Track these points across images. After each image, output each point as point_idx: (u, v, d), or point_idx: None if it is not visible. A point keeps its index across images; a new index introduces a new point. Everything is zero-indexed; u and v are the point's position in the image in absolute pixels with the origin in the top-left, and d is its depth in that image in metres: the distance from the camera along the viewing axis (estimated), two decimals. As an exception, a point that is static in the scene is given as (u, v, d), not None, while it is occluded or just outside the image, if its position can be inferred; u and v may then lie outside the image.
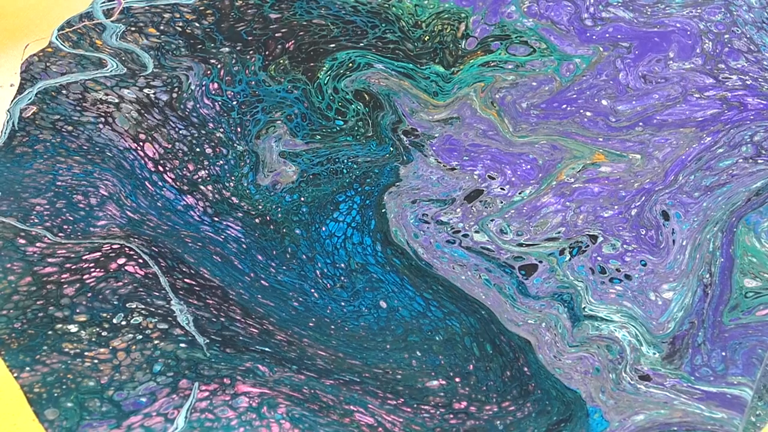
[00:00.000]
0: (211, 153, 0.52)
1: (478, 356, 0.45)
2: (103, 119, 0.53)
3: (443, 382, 0.43)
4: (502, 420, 0.44)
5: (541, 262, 0.50)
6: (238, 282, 0.47)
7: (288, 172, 0.52)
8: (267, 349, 0.44)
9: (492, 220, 0.51)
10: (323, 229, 0.49)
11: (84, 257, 0.46)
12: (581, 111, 0.55)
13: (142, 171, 0.51)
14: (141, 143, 0.52)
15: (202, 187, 0.51)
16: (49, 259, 0.46)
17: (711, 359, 0.46)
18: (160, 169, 0.51)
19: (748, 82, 0.56)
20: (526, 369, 0.46)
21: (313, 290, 0.47)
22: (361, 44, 0.57)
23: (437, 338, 0.45)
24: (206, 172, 0.51)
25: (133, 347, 0.43)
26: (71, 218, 0.48)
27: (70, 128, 0.52)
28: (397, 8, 0.59)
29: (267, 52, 0.57)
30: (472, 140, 0.54)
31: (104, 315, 0.44)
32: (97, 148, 0.51)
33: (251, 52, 0.57)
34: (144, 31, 0.57)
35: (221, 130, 0.53)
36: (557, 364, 0.47)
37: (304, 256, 0.48)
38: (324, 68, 0.56)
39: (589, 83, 0.56)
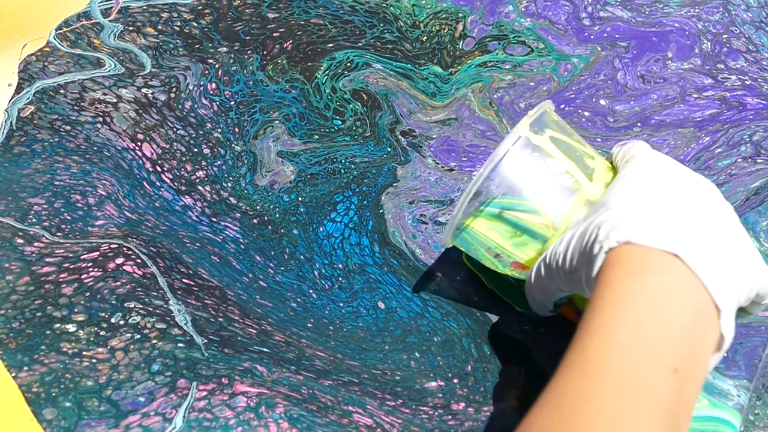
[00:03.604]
0: (209, 153, 0.52)
1: (476, 357, 0.45)
2: (101, 119, 0.53)
3: (441, 383, 0.43)
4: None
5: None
6: (237, 282, 0.47)
7: (286, 172, 0.52)
8: (265, 349, 0.44)
9: (490, 220, 0.51)
10: (321, 229, 0.49)
11: (82, 257, 0.46)
12: (579, 111, 0.55)
13: (140, 171, 0.51)
14: (139, 143, 0.52)
15: (200, 188, 0.51)
16: (47, 259, 0.46)
17: (709, 360, 0.46)
18: (158, 169, 0.51)
19: (747, 82, 0.56)
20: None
21: (311, 291, 0.47)
22: (360, 44, 0.57)
23: (435, 339, 0.45)
24: (204, 172, 0.51)
25: (132, 347, 0.43)
26: (69, 218, 0.48)
27: (68, 128, 0.52)
28: (395, 8, 0.59)
29: (265, 52, 0.57)
30: (470, 141, 0.54)
31: (102, 315, 0.44)
32: (95, 148, 0.51)
33: (249, 51, 0.57)
34: (142, 30, 0.57)
35: (219, 130, 0.53)
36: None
37: (302, 257, 0.48)
38: (322, 68, 0.56)
39: (587, 83, 0.56)
